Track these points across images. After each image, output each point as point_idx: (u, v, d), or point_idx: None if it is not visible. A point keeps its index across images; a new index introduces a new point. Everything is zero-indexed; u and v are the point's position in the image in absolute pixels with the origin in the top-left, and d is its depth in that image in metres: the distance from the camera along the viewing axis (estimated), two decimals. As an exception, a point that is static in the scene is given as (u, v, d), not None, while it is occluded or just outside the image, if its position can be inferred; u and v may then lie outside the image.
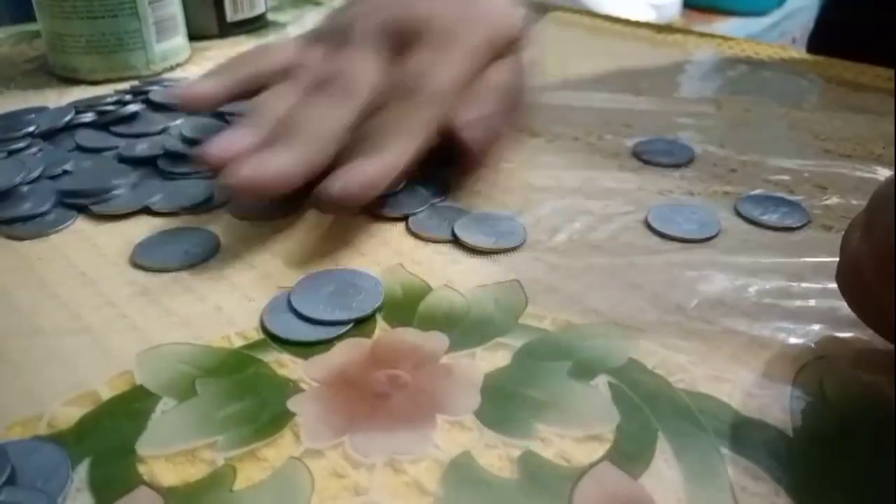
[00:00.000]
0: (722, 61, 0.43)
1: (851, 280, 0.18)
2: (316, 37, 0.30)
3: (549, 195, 0.28)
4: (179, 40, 0.43)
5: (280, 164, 0.23)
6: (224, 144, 0.23)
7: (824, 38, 0.57)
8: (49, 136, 0.32)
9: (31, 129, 0.32)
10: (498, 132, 0.28)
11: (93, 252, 0.24)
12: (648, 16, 1.23)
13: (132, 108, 0.34)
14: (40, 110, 0.35)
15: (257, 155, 0.23)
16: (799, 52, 0.45)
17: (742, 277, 0.23)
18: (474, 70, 0.27)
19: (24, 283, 0.23)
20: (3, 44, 0.47)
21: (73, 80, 0.40)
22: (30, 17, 0.44)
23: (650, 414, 0.18)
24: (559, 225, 0.26)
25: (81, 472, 0.16)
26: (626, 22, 0.51)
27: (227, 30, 0.49)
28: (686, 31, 0.49)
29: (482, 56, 0.28)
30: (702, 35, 0.48)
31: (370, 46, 0.27)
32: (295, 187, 0.23)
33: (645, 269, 0.23)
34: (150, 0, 0.41)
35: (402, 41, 0.27)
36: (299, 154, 0.23)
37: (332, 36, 0.29)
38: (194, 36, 0.46)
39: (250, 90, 0.28)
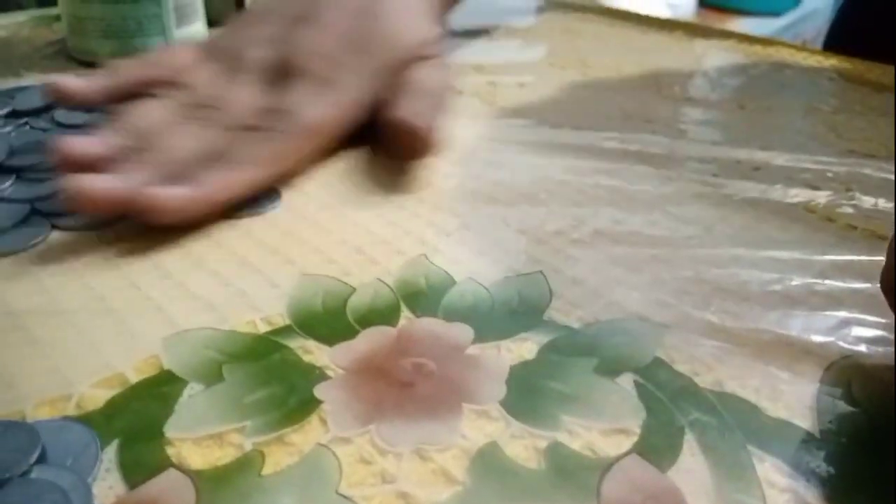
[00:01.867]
0: (743, 60, 0.43)
1: None
2: (211, 51, 0.31)
3: (570, 188, 0.28)
4: (198, 26, 0.43)
5: (119, 187, 0.23)
6: (78, 146, 0.24)
7: (841, 39, 0.57)
8: (31, 114, 0.32)
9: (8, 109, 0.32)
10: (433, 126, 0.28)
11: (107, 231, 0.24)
12: (664, 14, 1.23)
13: None
14: (25, 89, 0.35)
15: (102, 171, 0.24)
16: (821, 53, 0.44)
17: (767, 275, 0.23)
18: (361, 100, 0.29)
19: (49, 264, 0.23)
20: (23, 27, 0.47)
21: (91, 65, 0.40)
22: (53, 1, 0.44)
23: (676, 411, 0.18)
24: (583, 217, 0.26)
25: (110, 452, 0.16)
26: (647, 18, 0.51)
27: (246, 17, 0.49)
28: (707, 29, 0.49)
29: (378, 80, 0.30)
30: (723, 33, 0.48)
31: (255, 77, 0.29)
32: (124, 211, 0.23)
33: (669, 264, 0.23)
34: (170, -14, 0.41)
35: (286, 73, 0.29)
36: (143, 178, 0.24)
37: (225, 57, 0.30)
38: (213, 22, 0.46)
39: (133, 93, 0.29)
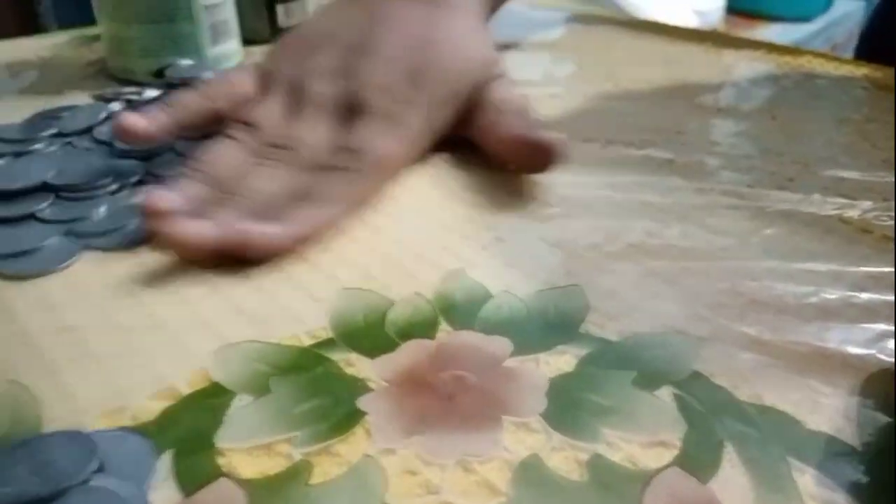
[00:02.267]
0: (773, 70, 0.43)
1: None
2: (271, 82, 0.31)
3: (603, 201, 0.28)
4: (233, 45, 0.44)
5: (211, 230, 0.24)
6: (163, 202, 0.24)
7: (874, 42, 0.57)
8: (75, 134, 0.34)
9: (54, 130, 0.34)
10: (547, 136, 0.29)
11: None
12: (692, 21, 1.23)
13: (151, 93, 0.36)
14: (69, 108, 0.36)
15: (193, 216, 0.24)
16: (851, 62, 0.44)
17: (803, 287, 0.23)
18: (427, 132, 0.30)
19: (102, 280, 0.23)
20: (64, 48, 0.49)
21: (130, 83, 0.42)
22: (83, 20, 0.45)
23: (716, 424, 0.18)
24: (617, 230, 0.26)
25: (165, 462, 0.17)
26: (676, 29, 0.51)
27: (279, 35, 0.50)
28: (736, 39, 0.49)
29: (443, 110, 0.31)
30: (752, 43, 0.48)
31: (322, 113, 0.29)
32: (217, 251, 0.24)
33: (704, 276, 0.23)
34: (205, 5, 0.42)
35: (352, 108, 0.29)
36: (233, 219, 0.24)
37: (288, 89, 0.31)
38: (246, 40, 0.47)
39: (200, 126, 0.30)
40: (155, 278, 0.24)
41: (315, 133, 0.29)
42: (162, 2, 0.41)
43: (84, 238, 0.26)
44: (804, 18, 1.38)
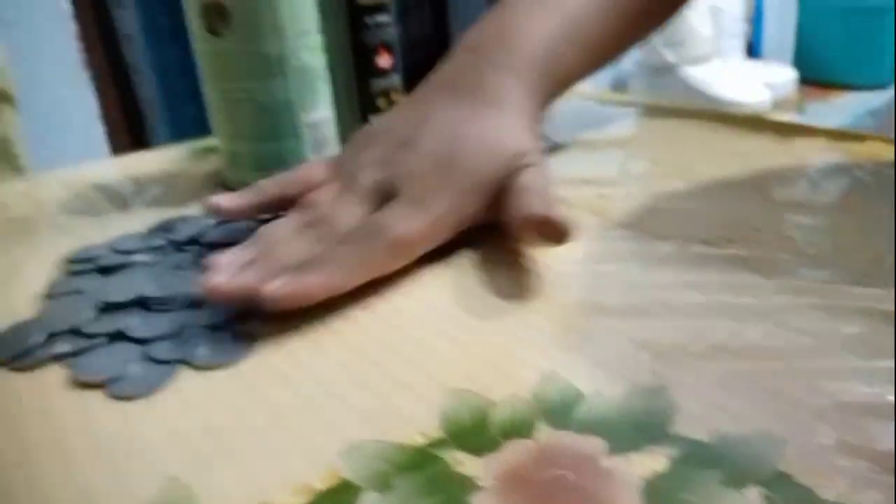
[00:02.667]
0: (845, 159, 0.44)
1: None
2: (335, 170, 0.38)
3: (684, 300, 0.30)
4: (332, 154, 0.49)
5: (236, 283, 0.30)
6: (222, 260, 0.32)
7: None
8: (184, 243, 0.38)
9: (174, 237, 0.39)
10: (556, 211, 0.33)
11: (277, 347, 0.28)
12: (764, 94, 1.24)
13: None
14: (184, 219, 0.41)
15: (238, 272, 0.31)
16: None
17: (882, 385, 0.24)
18: (451, 217, 0.34)
19: (233, 383, 0.27)
20: (183, 161, 0.55)
21: (245, 193, 0.46)
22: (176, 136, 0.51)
23: (802, 521, 0.19)
24: (700, 330, 0.28)
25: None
26: (742, 118, 0.53)
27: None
28: (797, 127, 0.50)
29: (470, 197, 0.35)
30: (813, 130, 0.49)
31: (363, 198, 0.35)
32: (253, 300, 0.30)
33: (786, 376, 0.25)
34: (307, 123, 0.47)
35: (388, 194, 0.34)
36: (262, 275, 0.31)
37: (343, 177, 0.37)
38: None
39: (276, 206, 0.38)
40: (281, 380, 0.27)
41: (351, 213, 0.34)
42: (270, 123, 0.46)
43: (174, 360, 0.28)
44: (879, 86, 1.37)
